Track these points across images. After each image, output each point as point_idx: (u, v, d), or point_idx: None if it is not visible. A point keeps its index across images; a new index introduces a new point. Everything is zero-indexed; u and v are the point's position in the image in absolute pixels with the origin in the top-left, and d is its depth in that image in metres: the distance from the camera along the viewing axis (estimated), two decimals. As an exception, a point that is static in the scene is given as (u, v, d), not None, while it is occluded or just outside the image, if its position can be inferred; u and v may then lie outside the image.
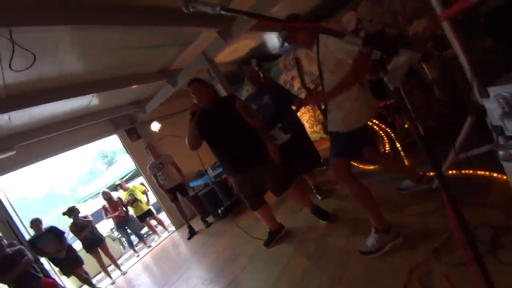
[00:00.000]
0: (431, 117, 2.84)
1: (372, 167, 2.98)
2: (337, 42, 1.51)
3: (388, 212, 1.75)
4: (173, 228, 5.49)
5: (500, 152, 0.77)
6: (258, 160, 2.29)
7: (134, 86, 3.89)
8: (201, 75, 3.81)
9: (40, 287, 3.32)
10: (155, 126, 5.24)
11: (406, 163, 2.56)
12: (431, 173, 2.15)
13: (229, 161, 2.34)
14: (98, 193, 8.90)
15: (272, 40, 5.07)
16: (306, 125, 4.63)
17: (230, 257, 2.83)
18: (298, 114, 4.34)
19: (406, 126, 2.95)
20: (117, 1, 2.09)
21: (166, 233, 5.50)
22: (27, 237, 3.93)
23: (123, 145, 5.21)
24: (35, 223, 3.90)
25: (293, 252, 2.27)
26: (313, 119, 4.60)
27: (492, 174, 1.78)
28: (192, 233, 4.40)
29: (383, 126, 2.88)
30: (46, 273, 3.76)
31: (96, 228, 4.64)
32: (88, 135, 4.73)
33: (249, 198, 2.47)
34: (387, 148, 2.82)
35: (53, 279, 3.82)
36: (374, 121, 2.82)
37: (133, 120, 5.26)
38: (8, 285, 3.29)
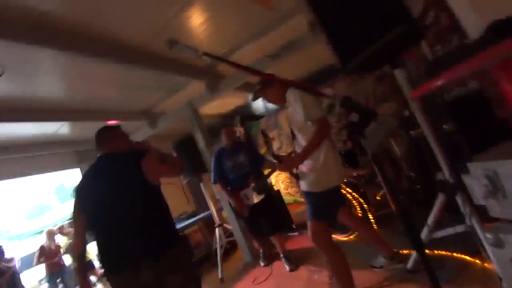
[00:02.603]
0: (401, 191, 2.90)
1: (345, 238, 2.84)
2: (295, 105, 1.54)
3: (361, 291, 1.57)
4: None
5: (488, 236, 0.71)
6: None
7: (110, 122, 3.78)
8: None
9: None
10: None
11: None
12: (405, 251, 2.07)
13: None
14: (41, 232, 7.58)
15: (257, 101, 5.41)
16: (282, 186, 4.56)
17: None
18: (275, 174, 4.34)
19: (378, 198, 2.97)
20: (111, 36, 2.13)
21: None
22: None
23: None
24: None
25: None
26: (289, 181, 4.56)
27: (466, 257, 1.72)
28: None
29: (356, 195, 2.87)
30: None
31: (18, 276, 3.77)
32: (48, 164, 4.28)
33: None
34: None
35: None
36: (348, 189, 2.83)
37: (101, 157, 4.92)
38: None
